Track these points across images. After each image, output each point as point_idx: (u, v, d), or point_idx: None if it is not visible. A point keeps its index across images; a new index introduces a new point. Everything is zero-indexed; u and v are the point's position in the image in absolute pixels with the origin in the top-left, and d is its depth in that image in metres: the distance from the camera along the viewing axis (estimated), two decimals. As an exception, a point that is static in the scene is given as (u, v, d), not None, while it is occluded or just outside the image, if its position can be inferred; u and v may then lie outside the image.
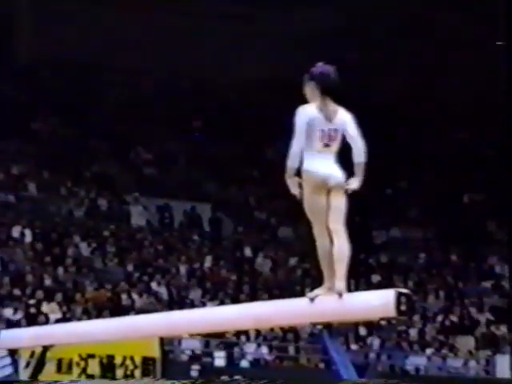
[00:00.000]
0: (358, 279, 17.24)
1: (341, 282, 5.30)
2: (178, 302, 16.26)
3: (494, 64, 20.98)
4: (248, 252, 19.15)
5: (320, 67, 5.45)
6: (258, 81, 22.66)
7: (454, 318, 18.31)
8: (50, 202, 18.66)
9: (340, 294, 5.27)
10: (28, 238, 16.98)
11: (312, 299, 5.37)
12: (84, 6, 21.34)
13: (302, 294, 16.47)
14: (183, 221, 20.06)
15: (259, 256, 18.99)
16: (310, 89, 5.46)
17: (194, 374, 13.83)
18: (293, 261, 19.09)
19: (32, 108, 20.84)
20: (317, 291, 5.42)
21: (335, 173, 5.41)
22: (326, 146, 5.39)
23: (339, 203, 5.40)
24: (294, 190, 5.39)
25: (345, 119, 5.42)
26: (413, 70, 22.82)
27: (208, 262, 18.20)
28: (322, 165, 5.37)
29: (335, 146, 5.43)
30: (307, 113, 5.38)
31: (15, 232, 16.98)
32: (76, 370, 11.16)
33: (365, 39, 21.96)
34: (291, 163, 5.35)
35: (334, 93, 5.41)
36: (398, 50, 22.27)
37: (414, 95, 23.12)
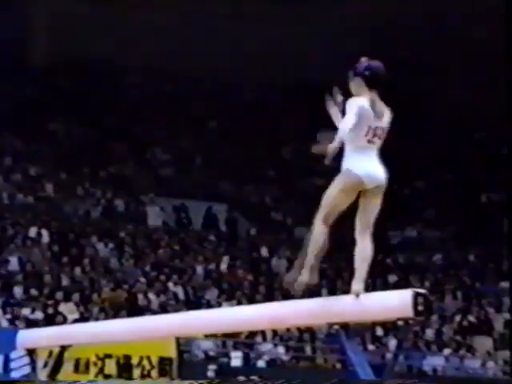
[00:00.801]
0: (375, 279, 17.19)
1: (359, 283, 5.28)
2: (194, 302, 16.28)
3: (509, 62, 20.83)
4: (264, 252, 19.14)
5: (365, 62, 5.33)
6: (275, 81, 22.64)
7: (472, 319, 18.21)
8: (66, 203, 18.75)
9: (357, 295, 5.25)
10: (45, 238, 17.06)
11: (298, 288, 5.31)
12: (99, 7, 21.41)
13: (318, 294, 16.43)
14: (200, 221, 20.08)
15: (275, 256, 18.98)
16: (355, 85, 5.33)
17: (210, 374, 13.82)
18: (309, 261, 19.04)
19: (49, 109, 20.94)
20: (301, 278, 5.34)
21: (377, 173, 5.29)
22: (370, 142, 5.27)
23: (374, 205, 5.34)
24: (323, 152, 5.08)
25: (389, 119, 5.33)
26: (425, 69, 22.74)
27: (224, 262, 18.21)
28: (364, 164, 5.23)
29: (379, 143, 5.33)
30: (359, 102, 5.23)
31: (32, 232, 17.07)
32: (93, 370, 11.20)
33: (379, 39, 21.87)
34: (341, 135, 5.07)
35: (380, 87, 5.28)
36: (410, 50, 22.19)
37: (428, 94, 23.03)
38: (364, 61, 5.36)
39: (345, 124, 5.14)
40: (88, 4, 21.34)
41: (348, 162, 5.27)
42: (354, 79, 5.36)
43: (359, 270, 5.30)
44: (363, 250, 5.30)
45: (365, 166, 5.25)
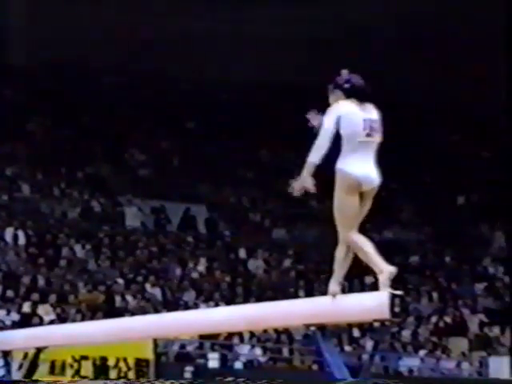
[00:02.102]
0: (352, 281, 17.25)
1: (336, 284, 5.32)
2: (171, 303, 16.24)
3: (492, 64, 21.01)
4: (242, 253, 19.14)
5: (345, 75, 5.37)
6: (254, 82, 22.66)
7: (448, 320, 18.34)
8: (43, 203, 18.63)
9: (334, 296, 5.29)
10: (21, 239, 16.94)
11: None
12: (81, 7, 21.32)
13: (295, 295, 16.47)
14: (178, 222, 20.04)
15: (253, 258, 18.98)
16: (335, 97, 5.36)
17: (187, 375, 13.80)
18: (287, 262, 19.09)
19: (26, 109, 20.80)
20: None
21: (371, 175, 5.29)
22: (369, 135, 5.25)
23: (366, 208, 5.39)
24: (307, 184, 5.08)
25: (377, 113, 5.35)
26: (406, 71, 22.84)
27: (202, 263, 18.19)
28: (359, 164, 5.21)
29: (377, 139, 5.31)
30: (340, 108, 5.23)
31: (8, 233, 16.94)
32: (69, 372, 11.15)
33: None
34: (312, 158, 5.10)
35: (359, 99, 5.31)
36: (386, 49, 22.25)
37: (407, 95, 23.14)
38: (344, 74, 5.39)
39: (317, 143, 5.11)
40: (63, 4, 21.23)
41: (344, 162, 5.22)
42: (333, 91, 5.39)
43: (339, 272, 5.35)
44: (347, 253, 5.36)
45: (361, 167, 5.23)
